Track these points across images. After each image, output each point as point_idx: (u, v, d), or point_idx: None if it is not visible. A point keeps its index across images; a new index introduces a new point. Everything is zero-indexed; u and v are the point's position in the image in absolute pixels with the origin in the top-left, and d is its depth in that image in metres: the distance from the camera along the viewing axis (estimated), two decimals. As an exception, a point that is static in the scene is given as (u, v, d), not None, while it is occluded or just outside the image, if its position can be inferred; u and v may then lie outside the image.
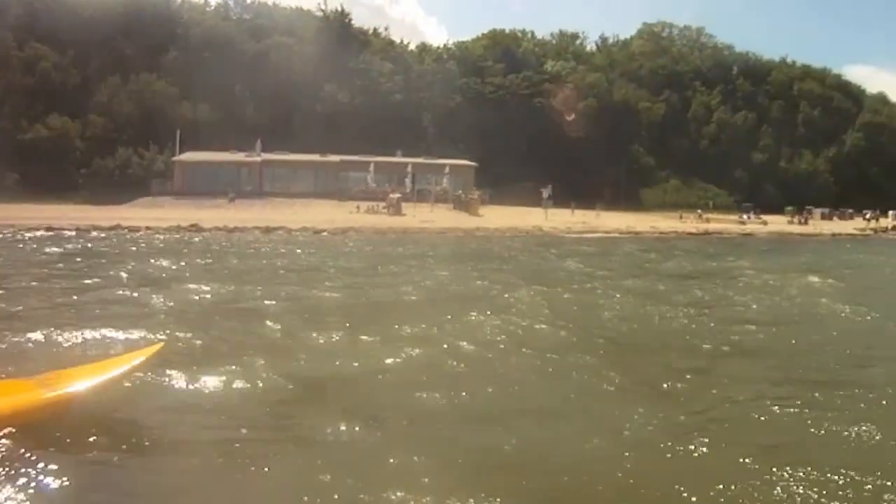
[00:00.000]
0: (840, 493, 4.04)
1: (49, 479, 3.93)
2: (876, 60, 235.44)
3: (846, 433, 5.06)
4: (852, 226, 59.18)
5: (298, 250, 21.04)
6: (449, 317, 8.99)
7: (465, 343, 7.45)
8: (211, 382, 5.81)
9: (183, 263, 15.66)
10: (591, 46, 77.49)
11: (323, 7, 65.29)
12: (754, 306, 11.44)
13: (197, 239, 24.48)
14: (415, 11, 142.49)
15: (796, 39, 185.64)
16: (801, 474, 4.23)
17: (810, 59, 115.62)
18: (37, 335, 7.21)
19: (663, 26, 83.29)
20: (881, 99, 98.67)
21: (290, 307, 9.71)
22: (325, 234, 28.86)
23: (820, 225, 57.18)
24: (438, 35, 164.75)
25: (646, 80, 69.14)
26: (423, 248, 22.89)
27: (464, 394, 5.77)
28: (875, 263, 24.06)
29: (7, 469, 4.01)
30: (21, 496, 3.77)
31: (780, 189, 70.20)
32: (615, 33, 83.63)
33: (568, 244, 27.75)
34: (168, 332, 7.51)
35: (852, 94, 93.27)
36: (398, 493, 3.84)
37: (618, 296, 11.69)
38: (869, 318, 10.15)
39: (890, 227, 61.41)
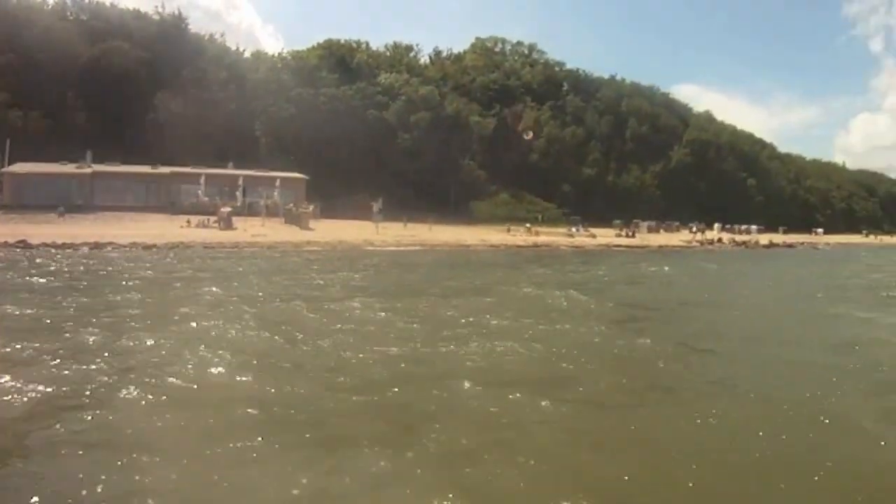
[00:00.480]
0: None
1: None
2: (703, 80, 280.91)
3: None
4: (678, 238, 70.68)
5: (130, 264, 23.60)
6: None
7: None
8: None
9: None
10: (424, 59, 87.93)
11: (160, 10, 70.25)
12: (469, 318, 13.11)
13: (24, 257, 25.82)
14: (252, 18, 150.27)
15: (626, 58, 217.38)
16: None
17: (639, 78, 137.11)
18: None
19: (496, 41, 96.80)
20: (707, 117, 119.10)
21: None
22: (154, 249, 31.25)
23: (647, 238, 68.08)
24: (275, 43, 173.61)
25: (477, 93, 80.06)
26: (230, 263, 25.78)
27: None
28: (670, 274, 28.60)
29: None
30: None
31: (609, 202, 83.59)
32: (449, 47, 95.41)
33: (369, 257, 31.95)
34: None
35: (679, 111, 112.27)
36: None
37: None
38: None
39: (716, 238, 73.89)
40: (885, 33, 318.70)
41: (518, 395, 7.86)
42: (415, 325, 12.21)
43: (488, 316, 13.52)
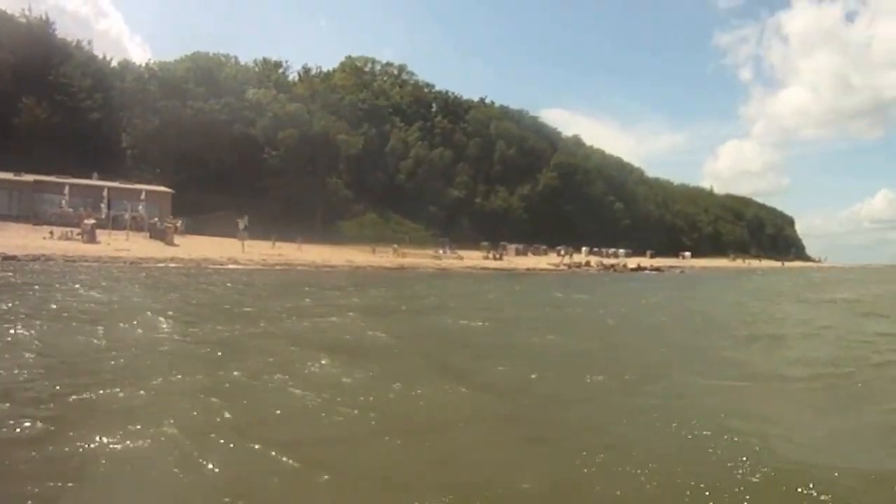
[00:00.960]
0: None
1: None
2: (573, 105, 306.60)
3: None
4: (546, 261, 78.24)
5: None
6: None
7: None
8: None
9: None
10: (293, 76, 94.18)
11: (27, 13, 72.72)
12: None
13: None
14: (120, 27, 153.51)
15: (496, 82, 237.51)
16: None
17: (509, 102, 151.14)
18: None
19: (366, 61, 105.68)
20: (575, 141, 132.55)
21: None
22: (14, 261, 31.75)
23: (514, 260, 75.22)
24: (142, 53, 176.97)
25: (346, 112, 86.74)
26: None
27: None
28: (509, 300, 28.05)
29: None
30: None
31: (476, 224, 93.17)
32: (318, 64, 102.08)
33: (222, 275, 33.08)
34: None
35: (548, 135, 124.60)
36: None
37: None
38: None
39: (584, 262, 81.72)
40: (754, 63, 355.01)
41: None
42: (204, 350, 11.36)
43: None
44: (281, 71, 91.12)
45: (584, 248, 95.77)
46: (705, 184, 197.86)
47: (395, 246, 66.75)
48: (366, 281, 37.24)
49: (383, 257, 59.47)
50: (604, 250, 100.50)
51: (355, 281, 35.94)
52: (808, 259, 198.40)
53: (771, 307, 27.95)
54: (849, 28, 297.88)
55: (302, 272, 42.10)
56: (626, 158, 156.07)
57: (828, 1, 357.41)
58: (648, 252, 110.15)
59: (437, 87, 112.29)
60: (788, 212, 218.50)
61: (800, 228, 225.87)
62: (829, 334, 17.16)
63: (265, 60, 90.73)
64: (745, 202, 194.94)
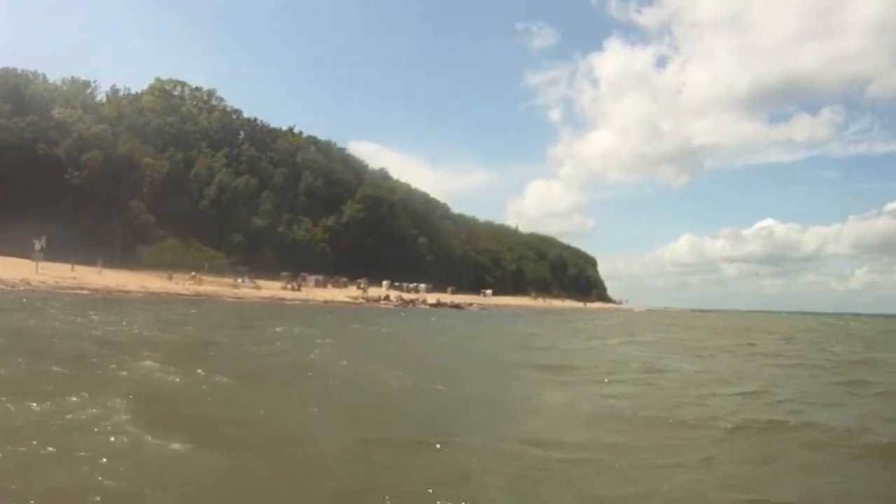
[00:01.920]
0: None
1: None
2: (382, 139, 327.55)
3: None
4: (345, 294, 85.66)
5: None
6: None
7: None
8: None
9: None
10: (101, 97, 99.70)
11: None
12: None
13: None
14: None
15: (307, 110, 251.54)
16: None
17: (319, 131, 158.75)
18: None
19: (176, 84, 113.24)
20: (382, 174, 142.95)
21: None
22: None
23: (313, 292, 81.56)
24: None
25: (152, 135, 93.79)
26: None
27: None
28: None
29: None
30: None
31: (279, 254, 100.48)
32: (127, 86, 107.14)
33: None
34: None
35: (355, 167, 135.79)
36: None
37: None
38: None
39: (383, 296, 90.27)
40: (564, 105, 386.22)
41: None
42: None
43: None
44: (89, 91, 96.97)
45: (384, 282, 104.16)
46: (511, 222, 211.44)
47: (194, 273, 71.39)
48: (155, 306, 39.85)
49: (179, 284, 63.52)
50: (405, 285, 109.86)
51: (143, 307, 38.36)
52: (609, 300, 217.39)
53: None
54: (660, 73, 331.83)
55: (92, 298, 43.67)
56: (433, 194, 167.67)
57: (640, 45, 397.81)
58: (450, 288, 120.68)
59: (247, 114, 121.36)
60: (592, 253, 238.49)
61: (603, 270, 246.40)
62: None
63: (73, 79, 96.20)
64: (550, 242, 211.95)
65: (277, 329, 29.95)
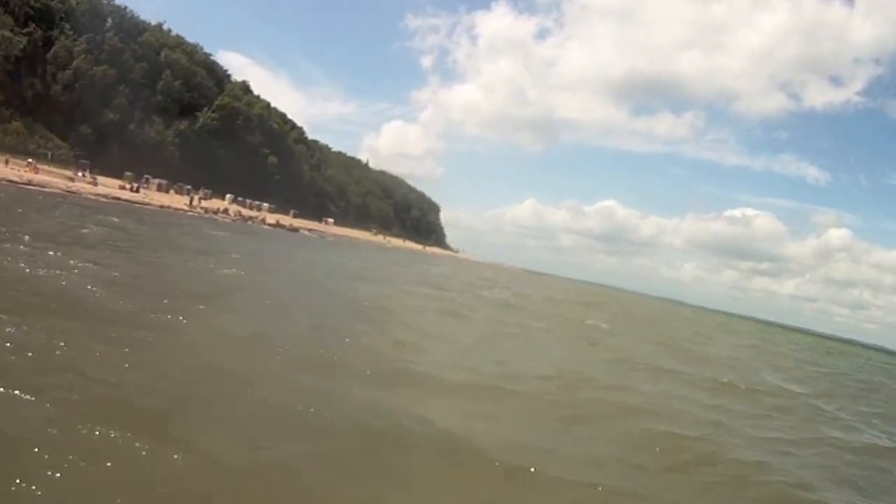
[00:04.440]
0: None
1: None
2: (251, 53, 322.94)
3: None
4: (184, 201, 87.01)
5: None
6: None
7: None
8: None
9: None
10: None
11: None
12: None
13: None
14: None
15: (179, 10, 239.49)
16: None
17: (187, 32, 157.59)
18: None
19: None
20: (243, 86, 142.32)
21: None
22: None
23: (153, 195, 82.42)
24: None
25: (15, 7, 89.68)
26: None
27: None
28: None
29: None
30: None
31: (127, 154, 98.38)
32: None
33: None
34: None
35: (218, 75, 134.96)
36: None
37: None
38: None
39: (221, 209, 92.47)
40: (438, 53, 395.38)
41: None
42: None
43: None
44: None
45: (228, 196, 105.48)
46: (363, 157, 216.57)
47: (31, 160, 69.26)
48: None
49: (13, 171, 61.09)
50: (248, 201, 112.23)
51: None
52: (447, 247, 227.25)
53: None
54: (538, 44, 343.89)
55: None
56: (292, 116, 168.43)
57: (527, 14, 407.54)
58: (292, 211, 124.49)
59: (118, 1, 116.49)
60: (437, 200, 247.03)
61: (444, 217, 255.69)
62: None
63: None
64: (398, 182, 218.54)
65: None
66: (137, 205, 67.42)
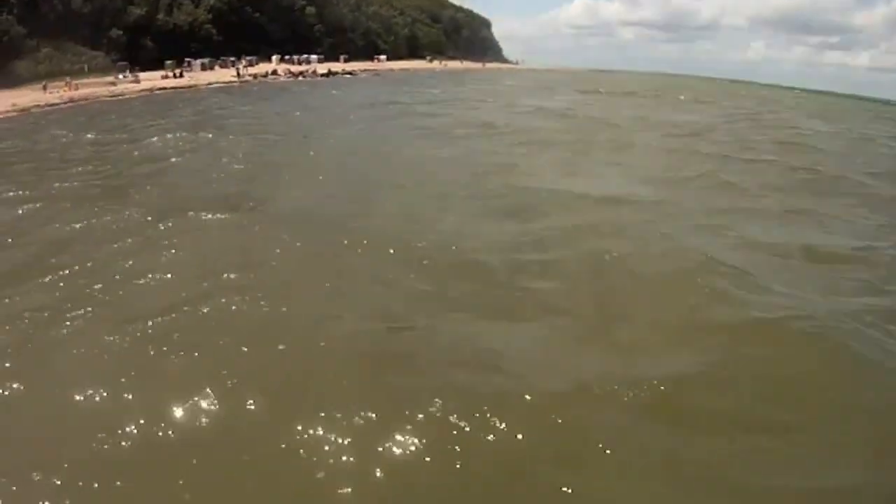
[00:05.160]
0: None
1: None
2: None
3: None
4: (230, 74, 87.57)
5: None
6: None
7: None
8: None
9: None
10: None
11: None
12: None
13: None
14: None
15: None
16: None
17: None
18: None
19: None
20: None
21: None
22: None
23: (199, 76, 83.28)
24: None
25: None
26: None
27: None
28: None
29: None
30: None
31: (161, 44, 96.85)
32: None
33: None
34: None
35: None
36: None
37: None
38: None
39: (271, 71, 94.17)
40: None
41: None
42: None
43: None
44: None
45: (274, 57, 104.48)
46: None
47: (68, 79, 68.65)
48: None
49: (53, 94, 60.80)
50: (295, 57, 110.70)
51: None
52: (505, 61, 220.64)
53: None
54: None
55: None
56: None
57: None
58: (342, 57, 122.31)
59: None
60: (485, 14, 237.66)
61: (497, 32, 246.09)
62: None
63: None
64: (442, 4, 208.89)
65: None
66: (183, 88, 69.47)
